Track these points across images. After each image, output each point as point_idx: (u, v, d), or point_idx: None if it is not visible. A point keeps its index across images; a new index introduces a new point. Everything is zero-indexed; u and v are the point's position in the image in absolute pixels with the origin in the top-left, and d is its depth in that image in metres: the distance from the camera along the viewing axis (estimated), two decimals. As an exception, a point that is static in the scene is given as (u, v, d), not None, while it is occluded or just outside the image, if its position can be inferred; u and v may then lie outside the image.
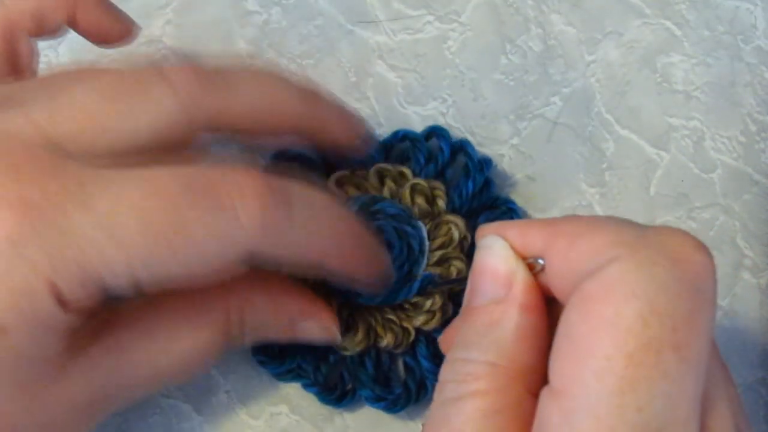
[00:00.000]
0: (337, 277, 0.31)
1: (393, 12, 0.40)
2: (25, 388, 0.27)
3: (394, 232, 0.34)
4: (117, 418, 0.34)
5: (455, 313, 0.34)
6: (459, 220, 0.35)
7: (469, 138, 0.37)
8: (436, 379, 0.34)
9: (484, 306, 0.26)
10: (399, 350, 0.34)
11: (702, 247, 0.23)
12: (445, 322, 0.34)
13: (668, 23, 0.40)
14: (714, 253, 0.23)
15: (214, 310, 0.31)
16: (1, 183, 0.25)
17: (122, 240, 0.25)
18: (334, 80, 0.39)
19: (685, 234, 0.23)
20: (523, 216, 0.37)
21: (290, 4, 0.40)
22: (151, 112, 0.28)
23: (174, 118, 0.28)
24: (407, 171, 0.36)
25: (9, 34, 0.31)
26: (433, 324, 0.34)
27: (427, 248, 0.34)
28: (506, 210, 0.36)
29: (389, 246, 0.34)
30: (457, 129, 0.38)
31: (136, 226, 0.26)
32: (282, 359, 0.34)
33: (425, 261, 0.34)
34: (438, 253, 0.34)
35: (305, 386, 0.35)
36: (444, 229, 0.35)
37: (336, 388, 0.35)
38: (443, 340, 0.30)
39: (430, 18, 0.40)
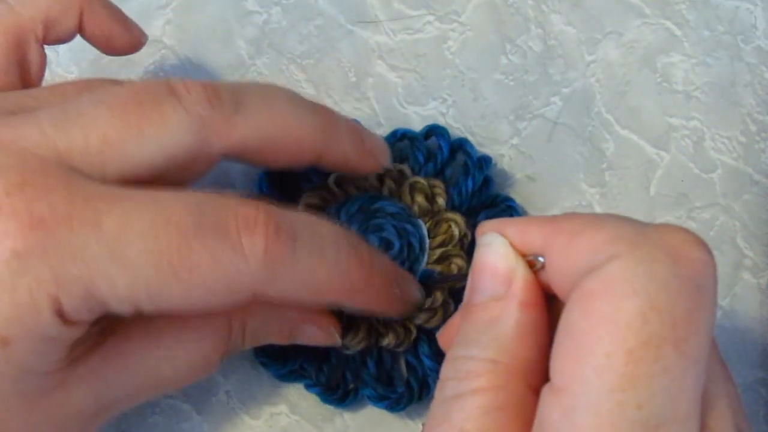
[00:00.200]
0: (349, 309, 0.32)
1: (393, 12, 0.40)
2: (26, 398, 0.27)
3: (394, 231, 0.34)
4: (117, 418, 0.34)
5: (457, 310, 0.34)
6: (459, 218, 0.35)
7: (469, 138, 0.37)
8: (438, 378, 0.34)
9: (484, 303, 0.26)
10: (401, 349, 0.34)
11: (702, 244, 0.23)
12: (447, 320, 0.34)
13: (668, 23, 0.40)
14: (714, 253, 0.23)
15: (216, 318, 0.31)
16: (10, 196, 0.25)
17: (128, 263, 0.26)
18: (334, 80, 0.39)
19: (685, 231, 0.23)
20: (523, 214, 0.37)
21: (290, 4, 0.40)
22: (161, 132, 0.28)
23: (184, 140, 0.28)
24: (407, 169, 0.36)
25: (19, 40, 0.31)
26: (435, 322, 0.34)
27: (427, 246, 0.35)
28: (506, 208, 0.36)
29: (389, 244, 0.34)
30: (457, 129, 0.38)
31: (143, 252, 0.26)
32: (284, 360, 0.34)
33: (425, 259, 0.34)
34: (438, 251, 0.34)
35: (307, 387, 0.35)
36: (444, 226, 0.35)
37: (338, 388, 0.35)
38: (442, 337, 0.30)
39: (430, 18, 0.40)
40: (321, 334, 0.33)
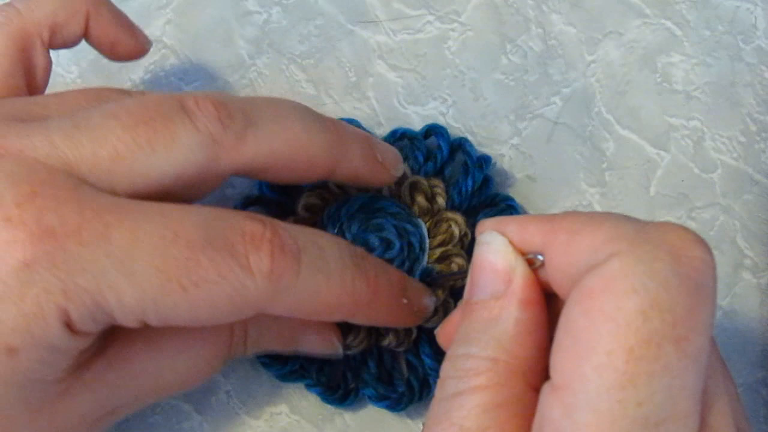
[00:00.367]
0: (358, 322, 0.32)
1: (393, 12, 0.40)
2: (31, 406, 0.27)
3: (395, 230, 0.34)
4: (118, 419, 0.34)
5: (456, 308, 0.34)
6: (459, 217, 0.35)
7: (470, 138, 0.37)
8: (439, 377, 0.34)
9: (483, 301, 0.26)
10: (401, 349, 0.34)
11: (702, 243, 0.23)
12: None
13: (668, 23, 0.40)
14: (714, 252, 0.23)
15: (218, 326, 0.31)
16: (20, 206, 0.25)
17: (136, 277, 0.26)
18: (334, 80, 0.39)
19: (684, 229, 0.23)
20: (522, 213, 0.37)
21: (290, 4, 0.40)
22: (171, 150, 0.28)
23: (195, 158, 0.28)
24: (406, 169, 0.36)
25: (26, 44, 0.31)
26: (436, 321, 0.34)
27: (427, 246, 0.35)
28: (506, 207, 0.36)
29: (389, 244, 0.34)
30: (458, 129, 0.38)
31: (151, 266, 0.26)
32: (285, 360, 0.34)
33: (425, 258, 0.34)
34: (438, 251, 0.34)
35: (308, 387, 0.35)
36: (444, 226, 0.35)
37: (338, 387, 0.35)
38: (441, 334, 0.30)
39: (431, 18, 0.40)
40: (322, 343, 0.33)
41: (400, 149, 0.36)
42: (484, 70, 0.39)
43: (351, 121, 0.37)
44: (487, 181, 0.36)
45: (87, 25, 0.32)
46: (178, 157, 0.28)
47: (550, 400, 0.23)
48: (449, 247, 0.35)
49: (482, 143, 0.38)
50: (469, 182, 0.36)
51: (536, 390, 0.24)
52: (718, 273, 0.23)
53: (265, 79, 0.39)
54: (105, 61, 0.37)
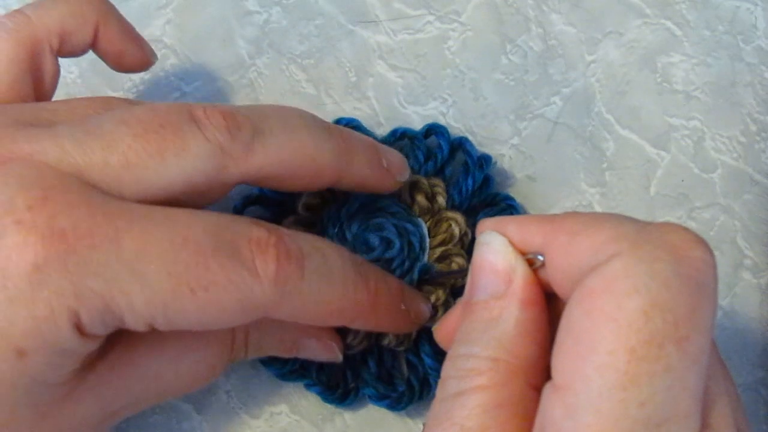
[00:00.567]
0: (358, 327, 0.32)
1: (393, 12, 0.40)
2: (37, 408, 0.27)
3: (395, 230, 0.34)
4: (119, 421, 0.34)
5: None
6: (459, 217, 0.35)
7: (470, 138, 0.37)
8: (439, 376, 0.34)
9: (484, 302, 0.26)
10: (402, 348, 0.34)
11: (702, 243, 0.23)
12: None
13: (668, 23, 0.40)
14: (714, 253, 0.23)
15: (221, 329, 0.31)
16: (31, 210, 0.25)
17: (146, 280, 0.26)
18: (334, 80, 0.39)
19: (685, 229, 0.23)
20: (523, 212, 0.37)
21: (290, 4, 0.40)
22: (181, 159, 0.28)
23: (203, 167, 0.28)
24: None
25: (35, 51, 0.31)
26: (436, 321, 0.34)
27: (427, 245, 0.35)
28: (506, 206, 0.36)
29: (390, 243, 0.34)
30: (458, 129, 0.38)
31: (161, 270, 0.26)
32: (285, 359, 0.34)
33: (426, 258, 0.34)
34: (439, 250, 0.35)
35: (308, 386, 0.35)
36: (444, 225, 0.35)
37: (338, 387, 0.35)
38: (439, 332, 0.30)
39: (431, 18, 0.40)
40: (322, 349, 0.33)
41: (401, 149, 0.36)
42: (484, 70, 0.39)
43: (351, 121, 0.37)
44: (487, 180, 0.36)
45: (95, 34, 0.33)
46: (187, 165, 0.28)
47: (551, 401, 0.23)
48: (449, 246, 0.35)
49: (482, 143, 0.38)
50: (470, 182, 0.36)
51: (537, 390, 0.24)
52: (718, 273, 0.23)
53: (265, 79, 0.39)
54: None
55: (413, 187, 0.35)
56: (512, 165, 0.38)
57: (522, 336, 0.25)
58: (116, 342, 0.29)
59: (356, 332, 0.34)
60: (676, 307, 0.22)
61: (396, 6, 0.40)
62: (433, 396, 0.34)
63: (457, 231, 0.35)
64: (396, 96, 0.39)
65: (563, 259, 0.24)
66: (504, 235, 0.26)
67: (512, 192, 0.38)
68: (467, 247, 0.35)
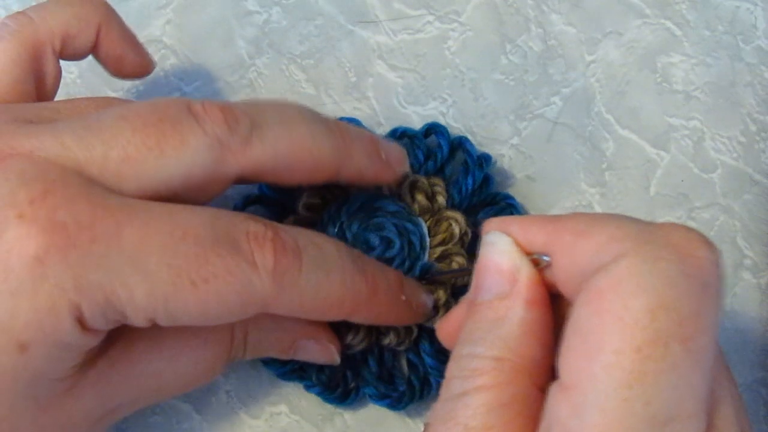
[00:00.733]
0: (360, 321, 0.32)
1: (393, 12, 0.40)
2: (38, 403, 0.27)
3: (395, 229, 0.34)
4: (118, 419, 0.34)
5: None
6: (459, 216, 0.35)
7: (470, 138, 0.37)
8: (440, 376, 0.34)
9: (488, 302, 0.26)
10: (402, 348, 0.34)
11: (708, 243, 0.23)
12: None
13: (668, 23, 0.40)
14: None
15: (220, 327, 0.31)
16: (33, 204, 0.26)
17: (147, 273, 0.26)
18: (334, 80, 0.39)
19: (690, 229, 0.23)
20: (523, 211, 0.37)
21: (290, 4, 0.40)
22: (180, 153, 0.28)
23: (202, 161, 0.29)
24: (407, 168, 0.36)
25: (37, 52, 0.32)
26: (437, 320, 0.34)
27: (427, 244, 0.35)
28: (506, 206, 0.36)
29: (390, 243, 0.34)
30: (458, 129, 0.38)
31: (162, 263, 0.26)
32: (285, 359, 0.34)
33: (426, 257, 0.34)
34: (439, 249, 0.34)
35: (307, 387, 0.35)
36: (444, 225, 0.35)
37: (338, 386, 0.35)
38: (441, 331, 0.30)
39: (430, 18, 0.40)
40: (320, 351, 0.33)
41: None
42: (484, 70, 0.39)
43: (351, 120, 0.37)
44: (487, 179, 0.36)
45: (97, 38, 0.33)
46: (187, 159, 0.28)
47: (558, 400, 0.23)
48: (450, 245, 0.35)
49: (482, 143, 0.38)
50: (470, 181, 0.36)
51: (541, 389, 0.24)
52: (720, 272, 0.23)
53: (265, 79, 0.39)
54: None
55: (413, 186, 0.35)
56: (512, 165, 0.38)
57: (526, 336, 0.25)
58: (116, 339, 0.29)
59: (356, 331, 0.34)
60: (682, 307, 0.22)
61: (396, 6, 0.40)
62: (434, 395, 0.35)
63: (457, 230, 0.35)
64: (396, 96, 0.39)
65: (568, 259, 0.25)
66: (509, 235, 0.26)
67: (512, 192, 0.38)
68: (467, 246, 0.35)
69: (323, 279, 0.29)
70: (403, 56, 0.39)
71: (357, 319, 0.32)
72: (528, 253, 0.26)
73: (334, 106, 0.39)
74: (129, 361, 0.29)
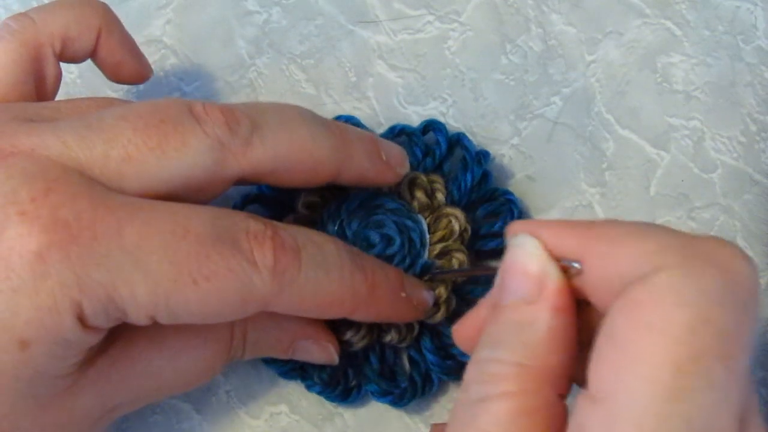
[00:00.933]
0: (361, 319, 0.32)
1: (393, 12, 0.40)
2: (38, 400, 0.27)
3: (395, 227, 0.34)
4: (117, 417, 0.34)
5: (459, 306, 0.34)
6: (459, 213, 0.35)
7: (470, 138, 0.37)
8: (441, 372, 0.34)
9: (514, 305, 0.25)
10: (403, 345, 0.34)
11: (747, 258, 0.23)
12: (450, 315, 0.34)
13: (668, 23, 0.40)
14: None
15: (219, 326, 0.31)
16: (35, 201, 0.26)
17: (148, 271, 0.26)
18: (334, 80, 0.39)
19: (731, 244, 0.23)
20: (521, 207, 0.37)
21: (290, 4, 0.40)
22: (181, 154, 0.28)
23: (203, 162, 0.29)
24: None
25: (38, 54, 0.32)
26: (438, 317, 0.34)
27: (427, 241, 0.35)
28: (504, 201, 0.36)
29: (390, 240, 0.34)
30: (458, 129, 0.38)
31: (163, 260, 0.26)
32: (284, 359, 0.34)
33: (426, 254, 0.34)
34: (439, 246, 0.34)
35: (308, 387, 0.35)
36: (444, 222, 0.35)
37: (338, 384, 0.35)
38: (458, 334, 0.29)
39: (431, 18, 0.40)
40: (320, 352, 0.33)
41: (399, 145, 0.36)
42: (484, 70, 0.39)
43: (351, 119, 0.37)
44: (485, 175, 0.36)
45: (97, 42, 0.33)
46: (187, 160, 0.28)
47: (587, 411, 0.22)
48: (449, 242, 0.35)
49: (482, 143, 0.38)
50: (468, 177, 0.36)
51: (562, 396, 0.24)
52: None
53: (265, 79, 0.39)
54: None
55: (412, 183, 0.35)
56: (512, 165, 0.38)
57: (552, 343, 0.24)
58: (117, 338, 0.29)
59: (357, 329, 0.34)
60: (723, 323, 0.21)
61: (396, 6, 0.40)
62: (436, 392, 0.35)
63: (456, 227, 0.35)
64: (396, 96, 0.39)
65: (603, 267, 0.24)
66: (537, 238, 0.26)
67: (512, 192, 0.38)
68: (467, 242, 0.35)
69: (323, 277, 0.30)
70: (403, 56, 0.39)
71: (358, 316, 0.32)
72: (557, 259, 0.25)
73: (334, 106, 0.39)
74: (129, 360, 0.29)
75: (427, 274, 0.34)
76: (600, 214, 0.38)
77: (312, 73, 0.39)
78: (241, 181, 0.31)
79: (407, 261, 0.34)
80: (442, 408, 0.35)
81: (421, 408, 0.35)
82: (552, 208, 0.38)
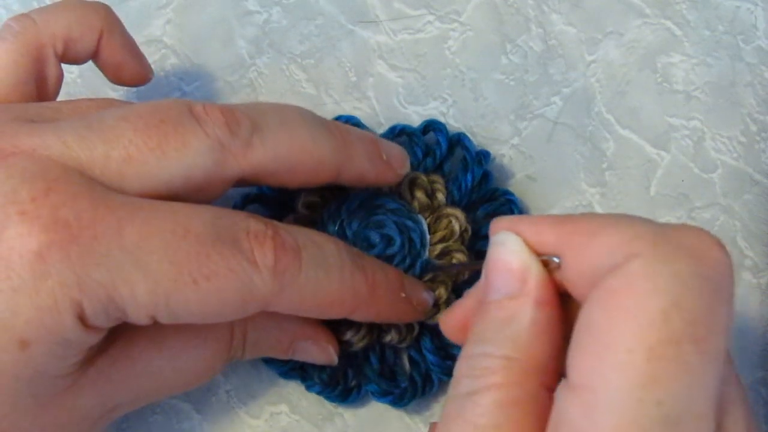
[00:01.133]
0: (361, 319, 0.32)
1: (393, 12, 0.40)
2: (38, 400, 0.27)
3: (395, 227, 0.34)
4: (117, 417, 0.34)
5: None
6: (459, 213, 0.35)
7: (470, 137, 0.37)
8: (441, 372, 0.34)
9: (498, 301, 0.26)
10: (403, 345, 0.34)
11: (720, 244, 0.23)
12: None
13: (668, 23, 0.40)
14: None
15: (219, 326, 0.31)
16: (35, 201, 0.26)
17: (148, 271, 0.26)
18: (334, 80, 0.39)
19: (703, 231, 0.23)
20: (521, 207, 0.37)
21: (291, 4, 0.40)
22: (181, 154, 0.28)
23: (203, 163, 0.29)
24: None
25: (40, 55, 0.32)
26: (438, 318, 0.34)
27: (428, 242, 0.35)
28: (505, 201, 0.36)
29: (390, 240, 0.34)
30: (458, 129, 0.38)
31: (163, 260, 0.26)
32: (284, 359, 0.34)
33: (426, 254, 0.34)
34: (439, 247, 0.35)
35: (308, 387, 0.35)
36: (444, 222, 0.35)
37: (338, 384, 0.35)
38: (445, 323, 0.30)
39: (431, 18, 0.40)
40: (319, 353, 0.34)
41: (400, 145, 0.36)
42: (484, 70, 0.39)
43: (351, 119, 0.37)
44: (486, 176, 0.36)
45: (99, 43, 0.33)
46: (188, 161, 0.28)
47: (567, 400, 0.23)
48: (450, 242, 0.35)
49: (482, 143, 0.38)
50: (469, 177, 0.36)
51: (550, 389, 0.24)
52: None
53: (265, 79, 0.39)
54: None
55: (412, 183, 0.35)
56: (512, 165, 0.38)
57: (536, 336, 0.25)
58: (117, 337, 0.29)
59: (358, 329, 0.34)
60: (695, 308, 0.22)
61: (396, 6, 0.40)
62: (436, 392, 0.35)
63: (457, 227, 0.35)
64: (396, 96, 0.39)
65: (580, 260, 0.24)
66: (518, 234, 0.26)
67: (512, 192, 0.38)
68: (467, 243, 0.35)
69: (323, 277, 0.30)
70: (404, 56, 0.39)
71: (358, 316, 0.32)
72: (538, 254, 0.26)
73: (334, 106, 0.39)
74: (129, 360, 0.29)
75: (427, 274, 0.34)
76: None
77: (312, 73, 0.39)
78: (241, 183, 0.31)
79: (407, 261, 0.34)
80: (442, 408, 0.35)
81: (421, 408, 0.35)
82: (552, 208, 0.38)
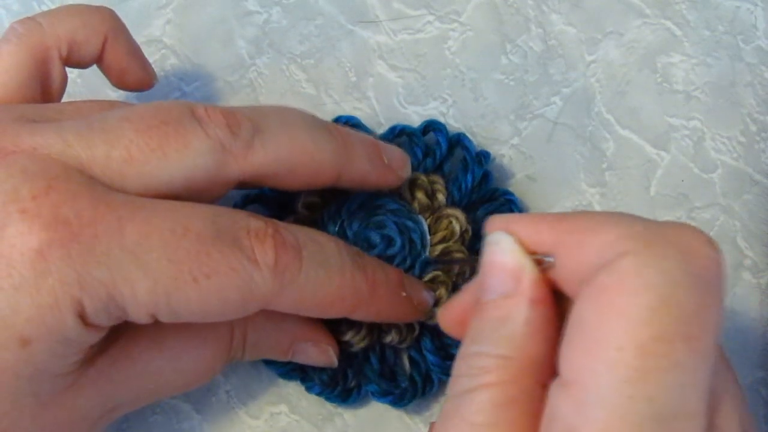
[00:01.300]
0: (362, 318, 0.32)
1: (393, 12, 0.40)
2: (39, 399, 0.27)
3: (395, 227, 0.34)
4: (117, 417, 0.34)
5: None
6: (459, 214, 0.35)
7: (470, 138, 0.37)
8: (441, 372, 0.34)
9: (494, 301, 0.26)
10: (404, 345, 0.34)
11: (711, 242, 0.23)
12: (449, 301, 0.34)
13: (668, 23, 0.40)
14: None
15: (219, 327, 0.31)
16: (36, 199, 0.26)
17: (149, 269, 0.26)
18: (334, 80, 0.39)
19: (694, 229, 0.23)
20: (522, 207, 0.37)
21: (290, 4, 0.40)
22: (182, 156, 0.28)
23: (204, 164, 0.29)
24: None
25: (44, 57, 0.32)
26: (436, 311, 0.34)
27: (428, 242, 0.35)
28: (505, 201, 0.36)
29: (391, 241, 0.34)
30: (458, 129, 0.38)
31: (163, 258, 0.26)
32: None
33: (427, 255, 0.34)
34: (439, 247, 0.35)
35: (308, 389, 0.35)
36: (444, 222, 0.35)
37: (338, 384, 0.35)
38: (443, 317, 0.30)
39: (431, 18, 0.40)
40: (319, 354, 0.34)
41: (399, 146, 0.36)
42: (484, 70, 0.39)
43: (350, 119, 0.37)
44: (486, 176, 0.36)
45: (103, 48, 0.33)
46: (189, 162, 0.29)
47: (559, 396, 0.23)
48: (450, 243, 0.35)
49: (482, 143, 0.38)
50: (469, 178, 0.36)
51: (546, 387, 0.24)
52: (719, 273, 0.23)
53: (265, 79, 0.39)
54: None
55: (413, 184, 0.35)
56: (512, 165, 0.38)
57: (531, 334, 0.25)
58: (117, 337, 0.29)
59: (358, 329, 0.34)
60: (686, 305, 0.22)
61: (396, 6, 0.40)
62: (436, 392, 0.35)
63: (457, 228, 0.35)
64: (396, 96, 0.39)
65: (573, 258, 0.25)
66: (512, 234, 0.26)
67: (512, 192, 0.38)
68: (468, 243, 0.35)
69: (323, 276, 0.30)
70: (404, 56, 0.39)
71: (358, 316, 0.32)
72: (532, 253, 0.26)
73: (334, 106, 0.39)
74: (129, 360, 0.29)
75: (427, 273, 0.34)
76: (600, 214, 0.38)
77: (312, 73, 0.39)
78: (242, 185, 0.31)
79: (408, 262, 0.34)
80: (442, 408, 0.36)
81: (421, 408, 0.35)
82: (552, 209, 0.38)
